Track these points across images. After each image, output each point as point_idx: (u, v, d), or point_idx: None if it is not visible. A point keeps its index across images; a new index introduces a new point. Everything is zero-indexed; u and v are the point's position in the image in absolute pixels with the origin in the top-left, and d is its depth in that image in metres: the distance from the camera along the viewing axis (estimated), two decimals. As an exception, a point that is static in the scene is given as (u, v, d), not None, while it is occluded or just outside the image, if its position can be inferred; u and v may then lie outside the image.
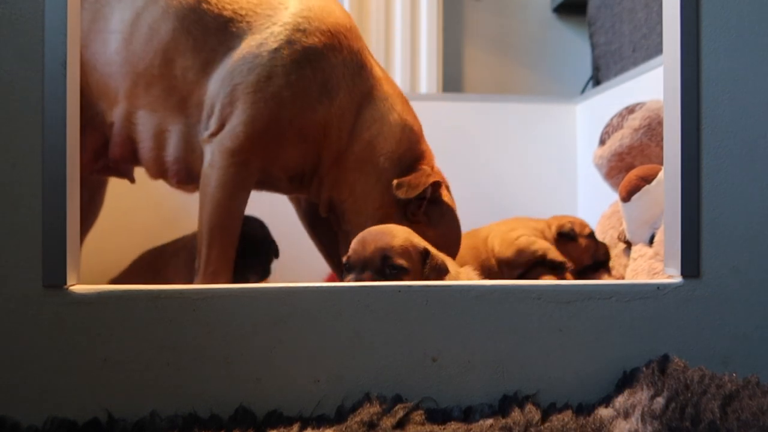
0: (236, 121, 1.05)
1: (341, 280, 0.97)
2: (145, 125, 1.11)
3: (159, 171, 1.15)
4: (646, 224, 1.20)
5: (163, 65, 1.08)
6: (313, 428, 0.71)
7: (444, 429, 0.71)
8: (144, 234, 1.69)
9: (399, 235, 0.94)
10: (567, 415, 0.73)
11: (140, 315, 0.75)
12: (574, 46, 2.49)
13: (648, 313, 0.81)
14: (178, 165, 1.13)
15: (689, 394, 0.69)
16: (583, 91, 2.42)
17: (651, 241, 1.18)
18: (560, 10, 2.47)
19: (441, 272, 0.95)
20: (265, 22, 1.08)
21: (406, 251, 0.92)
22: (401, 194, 1.11)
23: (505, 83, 2.46)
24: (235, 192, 1.08)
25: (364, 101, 1.13)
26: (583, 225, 1.48)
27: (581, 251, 1.38)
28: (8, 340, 0.73)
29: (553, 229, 1.47)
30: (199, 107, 1.09)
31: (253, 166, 1.09)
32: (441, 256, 0.98)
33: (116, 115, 1.12)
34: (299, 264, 1.46)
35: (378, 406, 0.73)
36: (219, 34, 1.07)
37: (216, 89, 1.07)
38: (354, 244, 0.95)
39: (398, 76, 2.23)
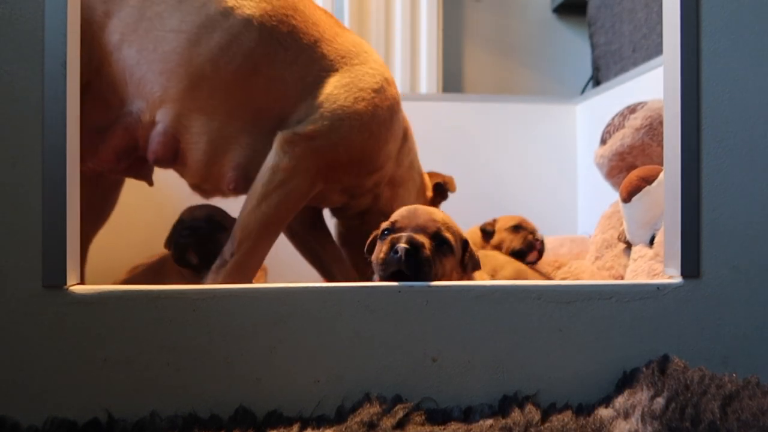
0: (336, 139, 1.10)
1: (376, 252, 0.95)
2: (201, 129, 1.09)
3: (205, 176, 1.14)
4: (646, 225, 1.19)
5: (243, 72, 1.07)
6: (313, 428, 0.71)
7: (444, 429, 0.71)
8: (144, 234, 1.69)
9: (445, 216, 0.98)
10: (567, 415, 0.73)
11: (140, 315, 0.75)
12: (574, 46, 2.49)
13: (648, 314, 0.81)
14: (238, 172, 1.12)
15: (689, 395, 0.69)
16: (583, 91, 2.42)
17: (651, 242, 1.18)
18: (560, 10, 2.48)
19: (476, 265, 0.99)
20: (353, 58, 1.17)
21: (453, 232, 0.95)
22: (452, 189, 1.45)
23: (505, 83, 2.46)
24: (303, 197, 1.11)
25: (404, 138, 1.33)
26: (509, 220, 1.61)
27: (494, 245, 1.57)
28: (8, 340, 0.73)
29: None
30: (278, 116, 1.10)
31: (329, 181, 1.15)
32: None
33: (161, 115, 1.08)
34: (299, 264, 1.46)
35: (378, 407, 0.73)
36: (310, 50, 1.12)
37: (314, 103, 1.10)
38: (402, 211, 0.96)
39: (398, 76, 2.23)
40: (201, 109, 1.08)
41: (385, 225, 0.95)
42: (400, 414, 0.72)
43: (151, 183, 1.24)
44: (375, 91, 1.15)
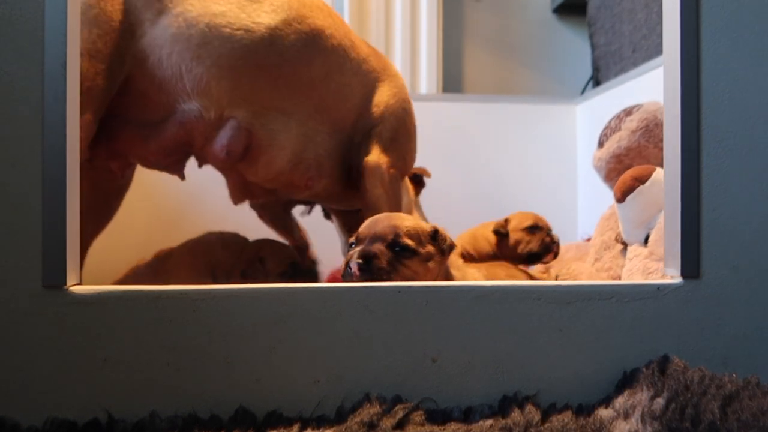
0: (389, 151, 1.27)
1: (346, 260, 0.97)
2: (279, 126, 1.14)
3: (275, 174, 1.18)
4: (641, 224, 1.19)
5: (319, 75, 1.16)
6: (313, 429, 0.71)
7: (444, 429, 0.71)
8: (144, 234, 1.69)
9: (408, 219, 0.99)
10: (567, 416, 0.73)
11: (140, 315, 0.75)
12: (574, 46, 2.49)
13: (648, 314, 0.81)
14: (314, 170, 1.21)
15: (689, 395, 0.69)
16: (583, 91, 2.42)
17: (646, 241, 1.18)
18: (560, 11, 2.48)
19: (451, 247, 1.03)
20: (387, 70, 1.32)
21: (415, 234, 0.96)
22: (428, 175, 1.60)
23: (505, 83, 2.46)
24: None
25: None
26: (523, 219, 1.55)
27: (511, 246, 1.53)
28: (8, 340, 0.73)
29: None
30: (344, 118, 1.23)
31: None
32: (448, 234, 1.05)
33: (234, 111, 1.09)
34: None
35: (378, 407, 0.73)
36: (365, 63, 1.26)
37: (374, 110, 1.26)
38: (366, 223, 0.99)
39: (398, 77, 2.23)
40: (279, 108, 1.13)
41: (351, 239, 0.98)
42: (400, 414, 0.72)
43: (183, 177, 1.26)
44: (405, 101, 1.33)
